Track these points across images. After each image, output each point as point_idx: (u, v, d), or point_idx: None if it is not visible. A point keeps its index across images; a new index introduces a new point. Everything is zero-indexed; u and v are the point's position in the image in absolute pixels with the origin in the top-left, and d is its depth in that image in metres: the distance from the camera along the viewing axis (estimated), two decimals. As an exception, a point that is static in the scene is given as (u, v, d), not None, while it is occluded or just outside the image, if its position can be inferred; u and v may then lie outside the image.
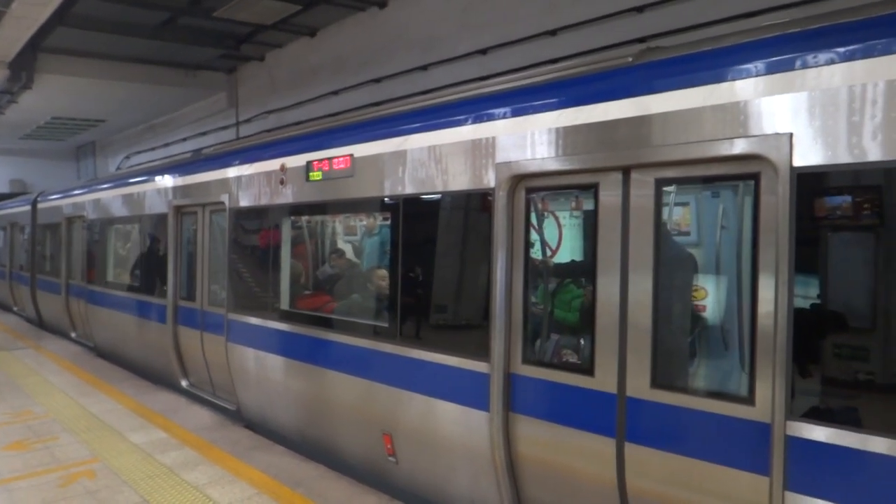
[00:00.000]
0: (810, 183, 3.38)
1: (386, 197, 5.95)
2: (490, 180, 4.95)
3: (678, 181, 4.03)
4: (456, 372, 5.18)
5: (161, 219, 10.22)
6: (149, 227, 10.84)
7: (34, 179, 29.03)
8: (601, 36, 9.05)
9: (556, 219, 5.07)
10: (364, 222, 6.75)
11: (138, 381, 10.71)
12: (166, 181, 10.22)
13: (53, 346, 14.29)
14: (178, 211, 9.76)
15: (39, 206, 17.42)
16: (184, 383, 9.72)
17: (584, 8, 9.37)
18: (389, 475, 5.99)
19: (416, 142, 5.64)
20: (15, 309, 20.21)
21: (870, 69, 3.20)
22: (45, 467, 6.67)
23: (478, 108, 5.20)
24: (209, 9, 13.02)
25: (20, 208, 19.30)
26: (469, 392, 5.05)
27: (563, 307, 4.80)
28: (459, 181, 5.24)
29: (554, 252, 5.07)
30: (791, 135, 3.42)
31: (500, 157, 4.89)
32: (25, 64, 15.23)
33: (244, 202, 8.03)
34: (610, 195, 4.27)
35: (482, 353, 4.94)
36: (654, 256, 4.05)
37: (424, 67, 11.98)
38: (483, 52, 10.90)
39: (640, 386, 4.09)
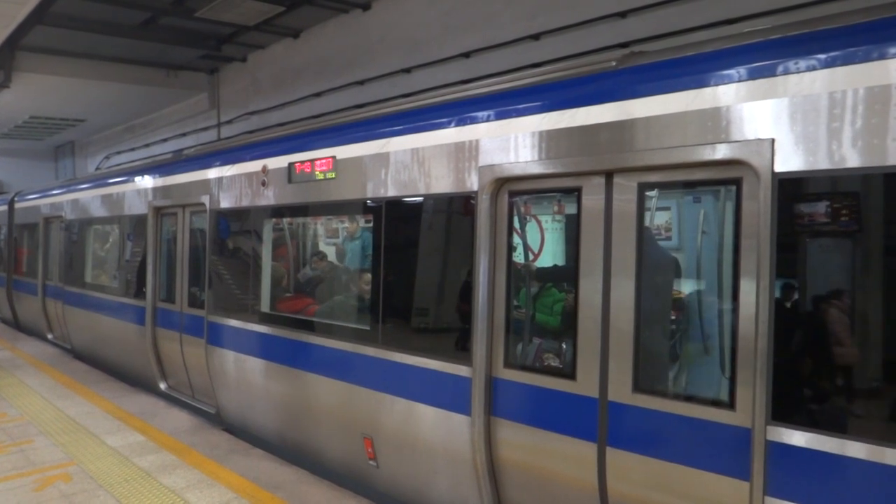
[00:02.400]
0: (791, 188, 3.40)
1: (368, 199, 5.92)
2: (473, 183, 4.94)
3: (660, 186, 4.04)
4: (438, 376, 5.16)
5: (140, 220, 10.12)
6: (128, 228, 10.73)
7: (12, 179, 28.62)
8: (585, 40, 9.08)
9: (539, 222, 5.07)
10: (346, 225, 6.72)
11: (116, 383, 10.60)
12: (146, 182, 10.12)
13: (30, 347, 14.11)
14: (158, 212, 9.66)
15: (17, 205, 17.20)
16: (162, 386, 9.62)
17: (568, 12, 9.39)
18: (370, 479, 5.96)
19: (399, 144, 5.62)
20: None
21: (850, 76, 3.23)
22: (20, 471, 6.57)
23: (461, 111, 5.19)
24: (191, 9, 12.92)
25: (-3, 208, 19.07)
26: (451, 396, 5.03)
27: (545, 311, 4.79)
28: (442, 184, 5.22)
29: (536, 256, 5.07)
30: (773, 140, 3.43)
31: (483, 160, 4.88)
32: (3, 62, 15.04)
33: (225, 203, 7.97)
34: (592, 199, 4.27)
35: (464, 356, 4.92)
36: (636, 261, 4.06)
37: (408, 70, 11.96)
38: (467, 55, 10.89)
39: (621, 390, 4.09)
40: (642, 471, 3.99)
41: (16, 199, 17.48)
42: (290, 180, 6.83)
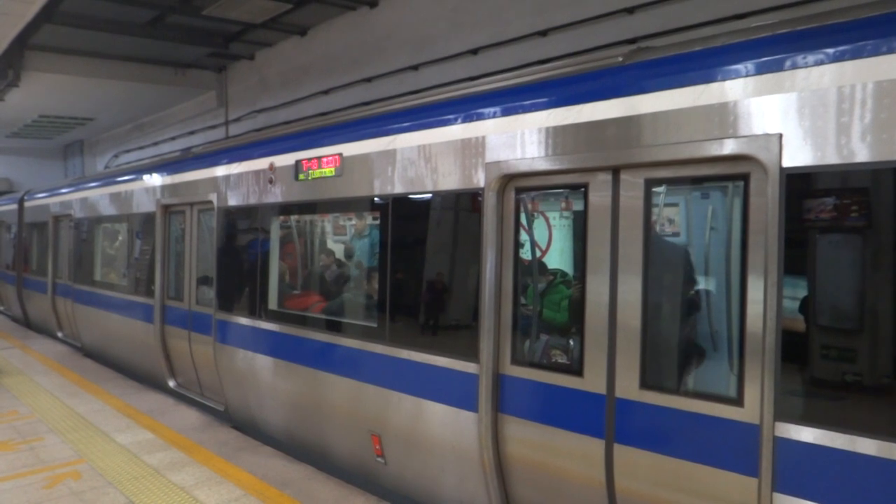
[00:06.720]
0: (800, 184, 3.38)
1: (375, 196, 5.92)
2: (480, 180, 4.93)
3: (668, 182, 4.02)
4: (445, 372, 5.15)
5: (149, 218, 10.16)
6: (136, 226, 10.77)
7: (21, 178, 28.82)
8: (592, 37, 9.06)
9: (546, 219, 5.06)
10: (353, 222, 6.72)
11: (125, 381, 10.64)
12: (154, 180, 10.15)
13: (40, 345, 14.18)
14: (166, 210, 9.69)
15: (26, 204, 17.29)
16: (171, 384, 9.66)
17: (575, 9, 9.37)
18: (378, 476, 5.96)
19: (406, 141, 5.61)
20: (1, 308, 20.06)
21: (859, 70, 3.20)
22: (30, 468, 6.60)
23: (468, 108, 5.18)
24: (199, 7, 12.95)
25: (7, 207, 19.16)
26: (458, 393, 5.03)
27: (552, 308, 4.79)
28: (449, 181, 5.22)
29: (543, 252, 5.06)
30: (780, 135, 3.41)
31: (490, 156, 4.87)
32: (12, 61, 15.11)
33: (233, 201, 7.99)
34: (599, 195, 4.26)
35: (471, 353, 4.92)
36: (643, 257, 4.05)
37: (415, 67, 11.96)
38: (474, 52, 10.89)
39: (629, 387, 4.08)
40: (650, 467, 3.98)
41: (25, 197, 17.57)
42: (297, 177, 6.84)
